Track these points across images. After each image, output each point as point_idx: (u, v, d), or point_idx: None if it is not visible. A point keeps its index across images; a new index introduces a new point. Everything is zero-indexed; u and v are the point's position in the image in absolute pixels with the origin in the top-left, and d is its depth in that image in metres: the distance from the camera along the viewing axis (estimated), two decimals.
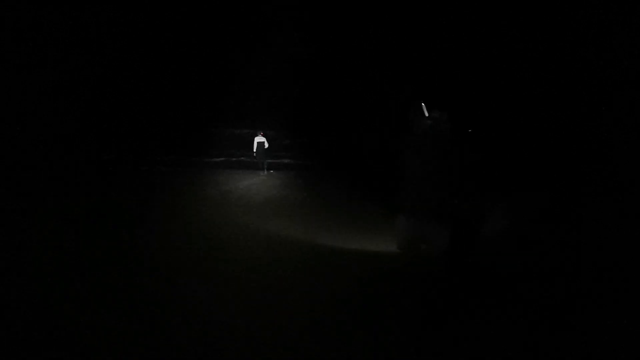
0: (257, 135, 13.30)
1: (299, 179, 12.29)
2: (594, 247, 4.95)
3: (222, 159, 15.09)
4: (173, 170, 13.01)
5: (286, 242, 5.27)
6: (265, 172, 13.46)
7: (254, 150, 13.31)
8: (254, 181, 11.68)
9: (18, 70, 13.24)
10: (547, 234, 5.65)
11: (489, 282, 3.53)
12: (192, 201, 8.00)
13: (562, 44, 11.12)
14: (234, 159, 15.25)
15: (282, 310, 3.24)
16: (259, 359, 2.60)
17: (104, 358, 2.55)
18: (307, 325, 3.00)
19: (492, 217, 5.12)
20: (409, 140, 3.08)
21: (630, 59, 8.84)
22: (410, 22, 13.98)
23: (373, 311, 3.18)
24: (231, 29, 14.94)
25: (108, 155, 13.59)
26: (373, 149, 13.09)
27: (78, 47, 14.19)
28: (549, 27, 11.31)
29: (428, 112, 3.29)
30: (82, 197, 8.05)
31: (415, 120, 3.14)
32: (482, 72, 12.83)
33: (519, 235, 5.46)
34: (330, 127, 14.81)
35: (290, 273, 4.08)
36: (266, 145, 13.30)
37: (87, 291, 3.46)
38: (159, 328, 2.92)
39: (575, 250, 4.90)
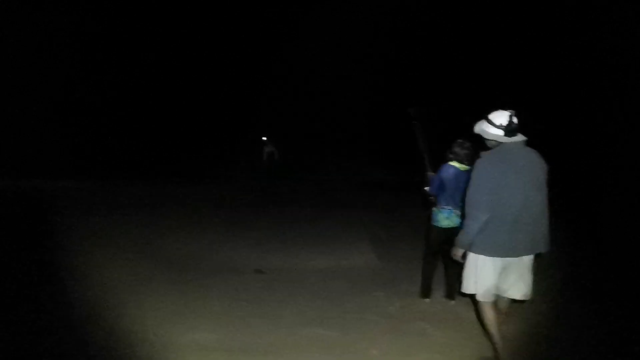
0: (266, 145, 13.03)
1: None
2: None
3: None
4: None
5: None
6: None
7: (264, 160, 13.06)
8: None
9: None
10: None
11: None
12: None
13: (563, 42, 10.80)
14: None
15: None
16: None
17: None
18: None
19: None
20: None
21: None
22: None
23: None
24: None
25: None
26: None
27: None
28: (550, 30, 10.99)
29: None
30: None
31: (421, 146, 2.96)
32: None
33: None
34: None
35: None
36: (276, 155, 13.01)
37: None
38: None
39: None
